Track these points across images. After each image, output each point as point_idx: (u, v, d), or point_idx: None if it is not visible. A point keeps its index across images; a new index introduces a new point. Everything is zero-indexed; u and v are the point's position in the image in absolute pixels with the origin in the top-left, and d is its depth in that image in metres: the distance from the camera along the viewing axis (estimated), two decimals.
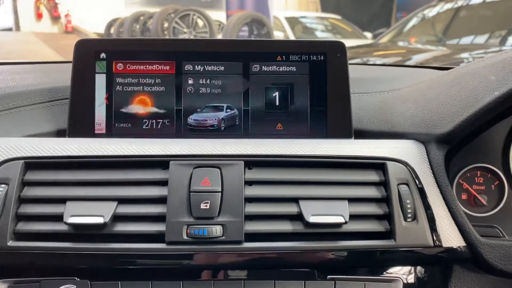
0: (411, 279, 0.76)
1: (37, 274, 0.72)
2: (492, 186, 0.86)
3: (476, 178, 0.87)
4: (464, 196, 0.87)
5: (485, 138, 0.86)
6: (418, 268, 0.76)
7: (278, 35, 6.96)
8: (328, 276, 0.74)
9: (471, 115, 0.74)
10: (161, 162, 0.75)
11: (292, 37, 6.86)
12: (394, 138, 0.84)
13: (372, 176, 0.77)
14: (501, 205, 0.85)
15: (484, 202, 0.86)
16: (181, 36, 6.40)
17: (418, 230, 0.73)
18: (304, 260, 0.72)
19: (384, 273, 0.76)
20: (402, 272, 0.76)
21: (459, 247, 0.74)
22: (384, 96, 0.98)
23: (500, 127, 0.86)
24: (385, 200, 0.75)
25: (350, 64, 0.93)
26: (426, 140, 0.81)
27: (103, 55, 0.90)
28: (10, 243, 0.70)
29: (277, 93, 0.92)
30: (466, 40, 4.37)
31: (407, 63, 3.49)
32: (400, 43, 5.08)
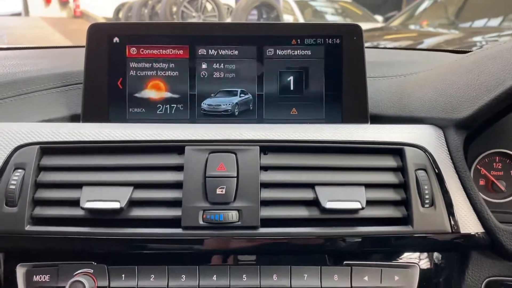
0: (427, 265, 0.75)
1: (54, 259, 0.73)
2: (511, 171, 0.85)
3: (494, 164, 0.85)
4: (482, 182, 0.85)
5: (504, 122, 0.84)
6: (435, 254, 0.76)
7: (287, 18, 6.88)
8: (345, 262, 0.73)
9: (492, 99, 0.72)
10: (176, 147, 0.75)
11: (301, 20, 6.78)
12: (412, 123, 0.83)
13: (390, 161, 0.76)
14: None
15: (503, 188, 0.84)
16: (189, 20, 6.36)
17: (436, 216, 0.72)
18: (320, 246, 0.72)
19: (401, 259, 0.75)
20: (419, 258, 0.75)
21: (477, 233, 0.73)
22: (401, 80, 0.96)
23: None
24: (403, 186, 0.74)
25: (367, 47, 0.91)
26: (444, 125, 0.80)
27: (116, 39, 0.90)
28: (28, 227, 0.70)
29: (291, 78, 0.91)
30: (479, 23, 4.29)
31: (419, 47, 3.44)
32: (412, 27, 5.00)
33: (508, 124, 0.85)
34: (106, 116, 0.89)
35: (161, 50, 0.90)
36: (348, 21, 6.94)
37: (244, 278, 0.71)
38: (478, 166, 0.85)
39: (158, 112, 0.91)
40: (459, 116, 0.77)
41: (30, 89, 0.91)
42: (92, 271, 0.72)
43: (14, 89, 0.89)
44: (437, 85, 0.85)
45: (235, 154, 0.74)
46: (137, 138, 0.76)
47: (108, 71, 0.89)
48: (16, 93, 0.90)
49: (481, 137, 0.85)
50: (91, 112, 0.88)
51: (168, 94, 0.91)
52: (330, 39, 0.91)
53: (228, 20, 6.64)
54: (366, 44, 0.91)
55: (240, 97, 0.91)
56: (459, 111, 0.77)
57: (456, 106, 0.78)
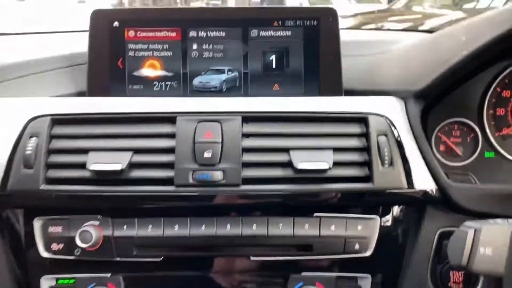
0: (387, 217, 0.86)
1: (66, 213, 0.85)
2: (468, 138, 0.96)
3: (453, 132, 0.96)
4: (442, 148, 0.96)
5: (462, 94, 0.95)
6: (394, 208, 0.87)
7: (292, 3, 6.90)
8: (314, 214, 0.85)
9: (442, 73, 0.82)
10: (169, 118, 0.86)
11: (306, 4, 6.79)
12: (379, 96, 0.93)
13: (355, 128, 0.86)
14: (475, 155, 0.95)
15: (460, 153, 0.95)
16: (193, 4, 6.41)
17: (394, 174, 0.83)
18: (293, 200, 0.83)
19: (364, 212, 0.86)
20: (380, 212, 0.86)
21: (431, 189, 0.84)
22: (373, 58, 1.06)
23: (477, 85, 0.95)
24: (366, 149, 0.85)
25: (348, 28, 1.01)
26: (405, 96, 0.90)
27: (116, 23, 1.00)
28: (43, 186, 0.82)
29: (274, 56, 1.01)
30: (484, 2, 4.30)
31: (421, 28, 3.48)
32: (416, 8, 5.01)
33: (466, 95, 0.95)
34: (108, 92, 1.00)
35: (156, 33, 1.01)
36: (353, 2, 6.95)
37: (228, 227, 0.83)
38: (439, 133, 0.96)
39: (154, 88, 1.02)
40: (417, 88, 0.87)
41: (40, 69, 1.03)
42: (98, 223, 0.83)
43: (26, 69, 1.01)
44: (402, 61, 0.95)
45: (220, 123, 0.85)
46: (136, 110, 0.87)
47: (109, 52, 1.00)
48: (29, 72, 1.01)
49: (442, 107, 0.95)
50: (95, 88, 1.00)
51: (163, 73, 1.02)
52: (308, 21, 1.01)
53: (231, 4, 6.68)
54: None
55: (227, 74, 1.02)
56: (417, 83, 0.87)
57: (415, 79, 0.88)
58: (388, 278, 0.87)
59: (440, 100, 0.92)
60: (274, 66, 1.02)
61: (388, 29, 1.46)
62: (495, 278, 0.80)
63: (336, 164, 0.82)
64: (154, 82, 1.02)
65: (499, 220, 0.63)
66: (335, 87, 0.99)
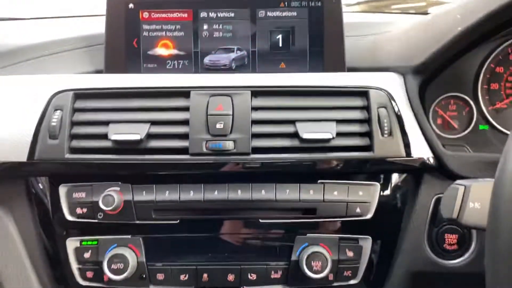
0: (387, 184, 0.93)
1: (89, 180, 0.92)
2: (464, 112, 1.02)
3: (449, 106, 1.02)
4: (439, 121, 1.02)
5: (458, 70, 1.00)
6: (393, 175, 0.93)
7: None
8: (319, 181, 0.91)
9: (438, 48, 0.88)
10: (184, 92, 0.92)
11: None
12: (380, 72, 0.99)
13: (357, 101, 0.92)
14: (470, 128, 1.01)
15: (456, 126, 1.01)
16: None
17: (393, 143, 0.89)
18: (299, 168, 0.89)
19: (365, 179, 0.93)
20: (380, 179, 0.93)
21: (428, 158, 0.90)
22: (375, 37, 1.12)
23: (472, 61, 1.01)
24: (367, 121, 0.91)
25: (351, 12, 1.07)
26: (404, 71, 0.96)
27: (131, 5, 1.06)
28: (67, 156, 0.89)
29: (280, 36, 1.07)
30: None
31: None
32: None
33: (462, 71, 1.01)
34: (124, 70, 1.06)
35: (169, 14, 1.06)
36: None
37: (239, 193, 0.90)
38: (436, 108, 1.02)
39: (167, 67, 1.08)
40: (415, 63, 0.93)
41: (60, 49, 1.09)
42: (119, 188, 0.90)
43: (48, 49, 1.07)
44: (402, 40, 1.01)
45: (231, 97, 0.91)
46: (152, 85, 0.93)
47: (125, 32, 1.06)
48: (50, 52, 1.07)
49: (439, 83, 1.01)
50: (112, 67, 1.06)
51: (176, 52, 1.08)
52: (313, 2, 1.06)
53: None
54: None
55: (236, 53, 1.08)
56: (415, 59, 0.93)
57: (413, 55, 0.94)
58: (387, 239, 0.94)
59: (437, 76, 0.98)
60: (280, 45, 1.07)
61: (389, 12, 1.51)
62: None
63: (339, 134, 0.89)
64: (167, 61, 1.08)
65: (487, 179, 0.69)
66: (338, 65, 1.05)
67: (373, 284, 0.95)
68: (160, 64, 1.08)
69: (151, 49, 1.07)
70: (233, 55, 1.08)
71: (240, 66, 1.08)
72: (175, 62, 1.08)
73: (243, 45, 1.07)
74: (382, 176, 0.93)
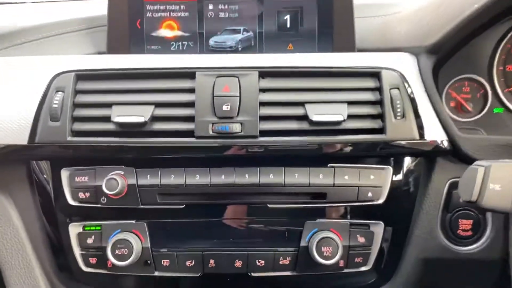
0: (399, 168, 0.90)
1: (91, 164, 0.89)
2: (478, 94, 0.98)
3: (463, 88, 0.99)
4: (452, 104, 0.99)
5: (472, 51, 0.97)
6: (406, 158, 0.90)
7: None
8: (329, 164, 0.88)
9: (454, 26, 0.85)
10: (189, 73, 0.89)
11: None
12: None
13: (369, 82, 0.89)
14: (484, 111, 0.98)
15: (470, 109, 0.98)
16: None
17: (406, 126, 0.86)
18: (309, 151, 0.86)
19: (376, 162, 0.90)
20: (392, 162, 0.90)
21: (441, 141, 0.87)
22: (386, 18, 1.08)
23: (487, 42, 0.97)
24: (379, 102, 0.88)
25: None
26: (417, 52, 0.93)
27: None
28: (69, 138, 0.86)
29: (288, 16, 1.04)
30: None
31: None
32: None
33: (477, 52, 0.98)
34: (127, 52, 1.03)
35: None
36: None
37: (246, 177, 0.87)
38: (449, 90, 0.99)
39: (172, 48, 1.05)
40: (429, 42, 0.89)
41: (61, 30, 1.06)
42: (123, 172, 0.88)
43: (48, 31, 1.04)
44: (413, 20, 0.98)
45: (238, 78, 0.88)
46: (157, 66, 0.90)
47: (128, 13, 1.03)
48: (50, 34, 1.04)
49: (452, 64, 0.97)
50: (115, 48, 1.03)
51: (180, 33, 1.05)
52: None
53: None
54: None
55: (243, 34, 1.04)
56: (429, 39, 0.90)
57: (426, 35, 0.90)
58: (400, 225, 0.91)
59: (451, 56, 0.95)
60: (288, 26, 1.04)
61: None
62: (504, 226, 0.84)
63: (350, 116, 0.85)
64: (172, 42, 1.04)
65: (507, 160, 0.66)
66: (348, 45, 1.02)
67: (384, 271, 0.93)
68: (164, 46, 1.04)
69: (154, 30, 1.04)
70: (239, 36, 1.04)
71: (246, 48, 1.04)
72: (180, 43, 1.05)
73: (250, 26, 1.04)
74: (393, 159, 0.90)
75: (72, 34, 1.07)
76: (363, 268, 0.91)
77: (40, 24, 1.05)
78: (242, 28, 1.04)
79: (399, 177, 0.90)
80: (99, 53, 1.06)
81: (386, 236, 0.90)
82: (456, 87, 0.99)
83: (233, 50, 1.04)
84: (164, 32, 1.04)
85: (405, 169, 0.90)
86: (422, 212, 0.91)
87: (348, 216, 0.90)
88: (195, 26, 1.04)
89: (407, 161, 0.90)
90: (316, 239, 0.85)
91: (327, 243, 0.85)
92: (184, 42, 1.05)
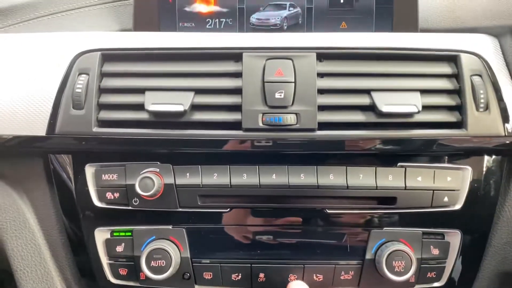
0: (480, 168, 0.77)
1: (120, 159, 0.77)
2: None
3: None
4: None
5: None
6: (487, 158, 0.77)
7: None
8: (398, 164, 0.76)
9: None
10: (234, 55, 0.76)
11: None
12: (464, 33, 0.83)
13: (444, 68, 0.76)
14: None
15: None
16: None
17: (490, 120, 0.74)
18: (375, 148, 0.74)
19: (454, 161, 0.77)
20: (472, 161, 0.77)
21: None
22: None
23: None
24: (457, 91, 0.75)
25: None
26: (499, 33, 0.80)
27: None
28: (95, 129, 0.74)
29: None
30: None
31: None
32: None
33: None
34: (156, 29, 0.90)
35: None
36: None
37: (302, 177, 0.74)
38: None
39: (207, 26, 0.91)
40: None
41: (79, 4, 0.92)
42: (158, 170, 0.75)
43: (65, 4, 0.91)
44: None
45: (292, 61, 0.75)
46: (195, 46, 0.77)
47: None
48: (68, 8, 0.91)
49: None
50: (142, 25, 0.89)
51: (217, 8, 0.91)
52: None
53: None
54: None
55: (289, 10, 0.91)
56: None
57: (510, 12, 0.77)
58: (478, 234, 0.79)
59: None
60: (341, 1, 0.90)
61: None
62: None
63: (424, 107, 0.73)
64: (207, 19, 0.91)
65: None
66: (410, 24, 0.89)
67: (459, 287, 0.81)
68: (199, 23, 0.91)
69: (188, 4, 0.91)
70: (285, 13, 0.91)
71: (293, 26, 0.91)
72: (216, 20, 0.91)
73: (297, 0, 0.90)
74: (473, 158, 0.77)
75: (92, 8, 0.93)
76: (435, 284, 0.79)
77: None
78: (288, 4, 0.91)
79: (479, 178, 0.77)
80: (123, 30, 0.92)
81: (463, 247, 0.78)
82: None
83: (277, 28, 0.91)
84: (199, 7, 0.91)
85: (484, 169, 0.77)
86: (503, 219, 0.79)
87: (420, 224, 0.77)
88: (234, 0, 0.90)
89: (489, 160, 0.78)
90: (386, 252, 0.73)
91: (400, 257, 0.73)
92: (221, 19, 0.91)
